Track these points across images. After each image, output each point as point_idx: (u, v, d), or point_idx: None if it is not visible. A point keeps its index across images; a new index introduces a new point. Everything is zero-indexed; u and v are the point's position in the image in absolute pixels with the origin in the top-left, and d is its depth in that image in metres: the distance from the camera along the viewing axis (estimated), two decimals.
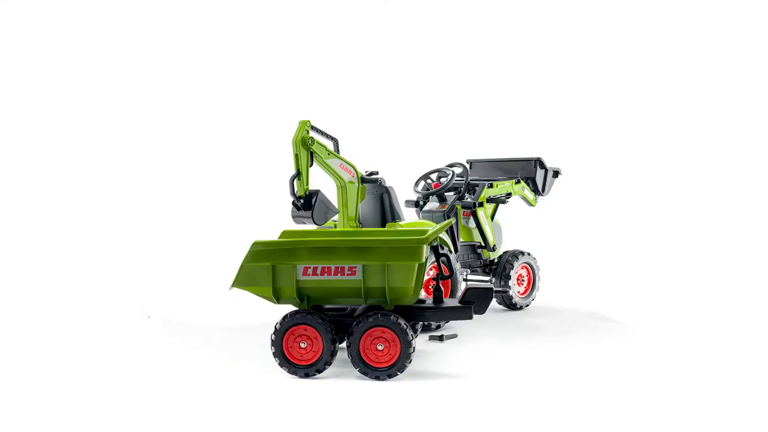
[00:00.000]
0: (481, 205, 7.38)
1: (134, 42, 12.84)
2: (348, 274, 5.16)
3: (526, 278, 7.78)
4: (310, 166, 6.16)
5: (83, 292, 9.20)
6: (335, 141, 6.58)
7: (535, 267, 7.77)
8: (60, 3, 12.69)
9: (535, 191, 7.98)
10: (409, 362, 5.04)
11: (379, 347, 5.02)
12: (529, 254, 7.75)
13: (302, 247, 5.24)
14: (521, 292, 7.73)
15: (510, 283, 7.46)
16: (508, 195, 7.76)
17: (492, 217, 7.71)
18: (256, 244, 5.31)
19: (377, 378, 4.99)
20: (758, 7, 11.42)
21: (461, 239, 7.35)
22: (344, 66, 12.51)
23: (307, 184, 6.11)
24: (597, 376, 5.08)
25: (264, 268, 5.24)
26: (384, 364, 5.01)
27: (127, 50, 12.81)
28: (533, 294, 7.83)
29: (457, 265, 6.61)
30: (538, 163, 7.85)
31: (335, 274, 5.18)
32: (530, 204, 8.03)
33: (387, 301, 5.14)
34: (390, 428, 4.03)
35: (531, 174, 7.88)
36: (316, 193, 6.09)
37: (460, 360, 5.59)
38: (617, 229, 10.79)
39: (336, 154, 6.42)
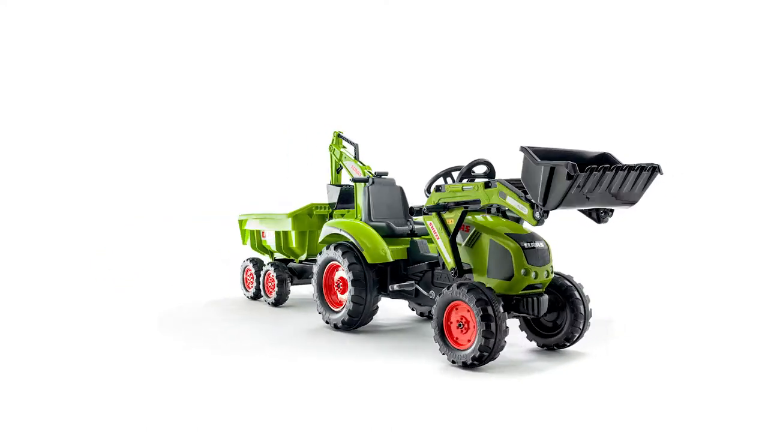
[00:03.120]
0: (423, 212, 5.80)
1: (135, 46, 12.91)
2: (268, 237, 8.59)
3: (469, 324, 5.19)
4: (339, 166, 8.40)
5: (76, 289, 9.25)
6: (355, 146, 8.10)
7: (476, 310, 5.04)
8: (60, 3, 12.74)
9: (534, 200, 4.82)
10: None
11: None
12: (468, 289, 5.16)
13: (255, 219, 8.66)
14: (460, 343, 5.26)
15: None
16: (468, 202, 5.46)
17: (450, 231, 5.66)
18: (240, 215, 8.97)
19: None
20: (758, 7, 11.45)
21: (432, 252, 6.27)
22: (369, 71, 12.67)
23: (333, 180, 8.43)
24: (596, 379, 5.08)
25: (248, 232, 8.93)
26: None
27: (132, 55, 12.91)
28: (476, 352, 5.03)
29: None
30: (526, 154, 4.78)
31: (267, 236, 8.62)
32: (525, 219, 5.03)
33: (285, 253, 8.44)
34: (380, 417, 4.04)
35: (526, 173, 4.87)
36: (340, 186, 8.19)
37: (513, 351, 5.63)
38: (609, 230, 10.78)
39: (348, 156, 8.03)
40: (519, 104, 12.15)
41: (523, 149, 4.78)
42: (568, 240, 10.10)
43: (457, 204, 5.53)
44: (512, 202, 5.08)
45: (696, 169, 11.53)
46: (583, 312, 5.57)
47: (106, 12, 12.83)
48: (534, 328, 5.86)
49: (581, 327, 5.58)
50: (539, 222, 4.87)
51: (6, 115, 12.69)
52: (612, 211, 5.12)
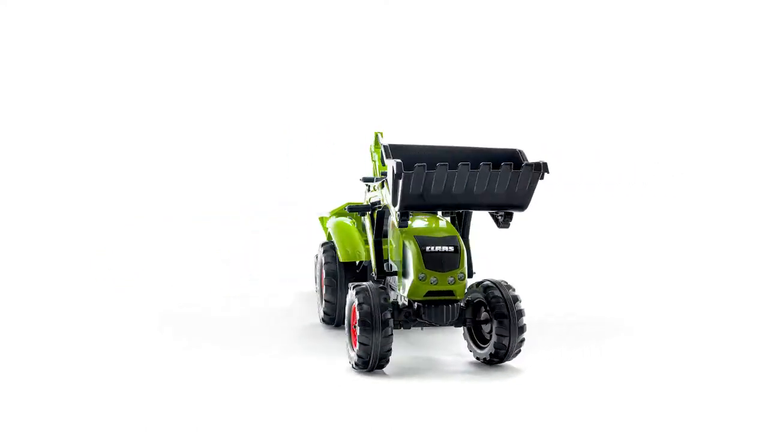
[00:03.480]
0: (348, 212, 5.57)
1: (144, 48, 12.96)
2: None
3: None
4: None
5: (76, 289, 9.26)
6: (385, 148, 7.77)
7: (358, 314, 4.98)
8: (60, 3, 12.76)
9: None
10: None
11: None
12: (357, 291, 5.02)
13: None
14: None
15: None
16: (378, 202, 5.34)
17: (376, 229, 5.53)
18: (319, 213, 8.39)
19: None
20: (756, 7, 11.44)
21: None
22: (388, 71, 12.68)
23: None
24: (594, 380, 5.09)
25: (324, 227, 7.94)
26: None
27: (143, 59, 12.96)
28: (356, 356, 5.00)
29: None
30: (384, 152, 4.53)
31: None
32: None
33: None
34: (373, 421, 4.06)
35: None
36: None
37: (455, 362, 5.59)
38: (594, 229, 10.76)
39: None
40: (557, 102, 12.09)
41: (383, 147, 4.47)
42: (558, 243, 10.10)
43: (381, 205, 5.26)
44: (389, 203, 4.75)
45: (695, 169, 11.52)
46: (508, 327, 5.05)
47: (106, 11, 12.82)
48: (474, 338, 5.48)
49: (507, 344, 5.08)
50: (399, 225, 4.49)
51: (5, 115, 12.69)
52: (510, 215, 4.73)
